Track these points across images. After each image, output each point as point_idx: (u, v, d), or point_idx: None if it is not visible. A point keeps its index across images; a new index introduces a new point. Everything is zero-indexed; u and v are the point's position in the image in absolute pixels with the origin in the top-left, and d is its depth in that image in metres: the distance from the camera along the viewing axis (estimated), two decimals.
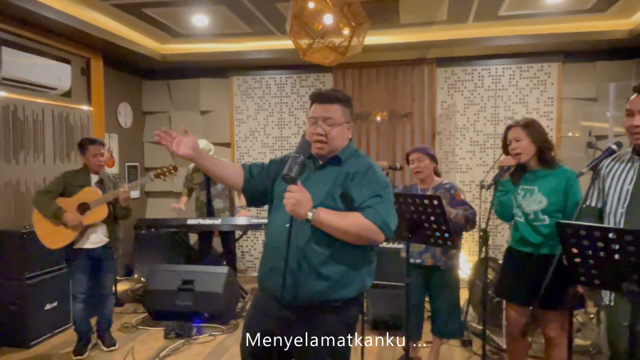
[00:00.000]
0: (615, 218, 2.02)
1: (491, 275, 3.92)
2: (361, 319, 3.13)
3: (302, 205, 1.62)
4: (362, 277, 1.80)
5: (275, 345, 1.82)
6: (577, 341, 3.59)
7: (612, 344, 2.15)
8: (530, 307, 2.24)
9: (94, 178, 3.50)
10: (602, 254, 1.75)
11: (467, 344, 3.61)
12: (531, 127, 2.49)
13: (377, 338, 3.77)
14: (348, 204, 1.75)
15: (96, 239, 3.44)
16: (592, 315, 3.74)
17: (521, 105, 5.29)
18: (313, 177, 1.84)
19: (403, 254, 3.12)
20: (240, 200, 4.89)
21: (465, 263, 5.03)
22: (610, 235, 1.69)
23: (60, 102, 4.62)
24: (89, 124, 5.01)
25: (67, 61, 4.66)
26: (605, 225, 2.07)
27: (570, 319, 2.05)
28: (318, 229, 1.70)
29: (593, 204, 2.15)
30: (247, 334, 1.95)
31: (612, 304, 2.05)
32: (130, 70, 5.84)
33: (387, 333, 3.83)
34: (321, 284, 1.73)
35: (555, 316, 2.47)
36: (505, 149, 2.58)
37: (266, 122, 5.95)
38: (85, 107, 4.96)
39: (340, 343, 1.81)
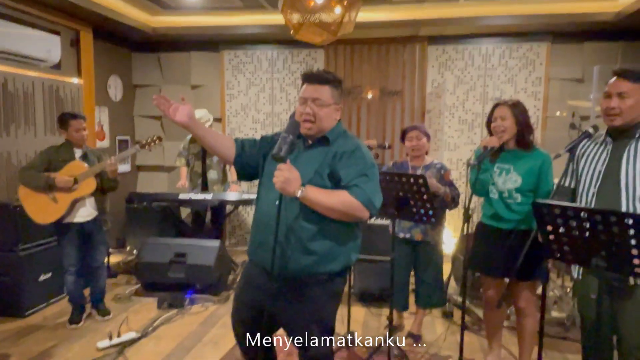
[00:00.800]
0: (587, 197, 2.13)
1: None
2: (348, 291, 3.27)
3: (291, 184, 1.70)
4: (348, 252, 1.91)
5: (264, 314, 1.93)
6: (554, 313, 3.78)
7: (581, 316, 2.31)
8: (506, 279, 2.37)
9: (78, 152, 3.50)
10: (574, 231, 1.86)
11: (448, 315, 3.78)
12: (517, 108, 2.57)
13: (363, 309, 3.93)
14: (335, 183, 1.83)
15: (85, 212, 3.47)
16: (568, 289, 3.93)
17: (509, 85, 5.37)
18: (302, 156, 1.92)
19: (396, 230, 3.25)
20: (232, 175, 4.95)
21: (451, 239, 5.18)
22: (582, 214, 1.80)
23: (50, 75, 4.60)
24: (79, 96, 5.00)
25: (56, 33, 4.62)
26: (578, 204, 2.19)
27: (543, 290, 2.17)
28: (306, 206, 1.79)
29: (567, 184, 2.27)
30: (238, 304, 2.07)
31: (580, 277, 2.18)
32: (120, 42, 5.78)
33: (374, 304, 3.99)
34: (309, 258, 1.84)
35: (526, 287, 2.62)
36: (489, 125, 2.66)
37: (257, 98, 5.97)
38: (75, 80, 4.94)
39: (326, 312, 1.94)
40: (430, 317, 3.76)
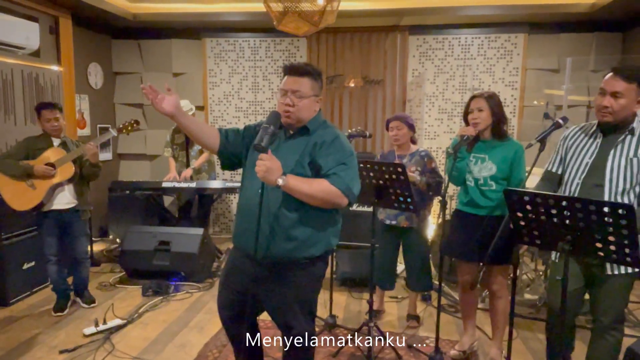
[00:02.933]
0: (572, 187, 2.24)
1: None
2: (330, 276, 3.37)
3: (273, 173, 1.78)
4: (328, 237, 2.01)
5: (248, 298, 2.01)
6: (526, 295, 3.95)
7: (549, 296, 2.45)
8: (480, 264, 2.49)
9: (56, 142, 3.48)
10: (542, 217, 1.98)
11: (426, 297, 3.91)
12: (493, 99, 2.68)
13: (345, 294, 4.05)
14: (316, 171, 1.91)
15: (64, 199, 3.45)
16: (540, 273, 4.10)
17: (488, 75, 5.48)
18: (284, 146, 1.99)
19: (380, 216, 3.36)
20: (197, 162, 4.94)
21: (431, 225, 5.32)
22: (550, 201, 1.91)
23: (29, 62, 4.54)
24: (59, 84, 4.94)
25: (34, 19, 4.55)
26: (562, 192, 2.30)
27: (514, 274, 2.29)
28: (287, 195, 1.87)
29: (554, 170, 2.37)
30: (223, 289, 2.15)
31: (557, 260, 2.31)
32: (100, 29, 5.71)
33: (356, 289, 4.11)
34: (290, 244, 1.93)
35: (499, 271, 2.76)
36: (466, 116, 2.76)
37: (240, 86, 5.97)
38: (54, 68, 4.88)
39: (308, 294, 2.04)
40: (408, 301, 3.89)
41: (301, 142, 1.97)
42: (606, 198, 2.13)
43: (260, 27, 5.68)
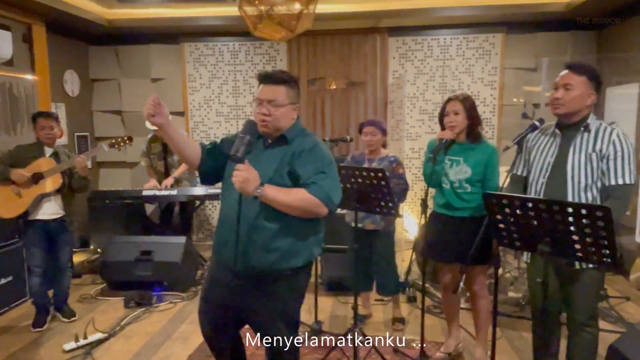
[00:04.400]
0: (537, 187, 2.27)
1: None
2: (315, 281, 3.35)
3: (250, 183, 1.75)
4: (310, 247, 1.97)
5: (230, 312, 1.98)
6: (510, 294, 3.98)
7: (531, 298, 2.47)
8: (461, 265, 2.49)
9: (48, 151, 3.48)
10: (521, 220, 1.99)
11: (412, 299, 3.92)
12: (468, 102, 2.69)
13: (331, 299, 4.03)
14: (295, 181, 1.88)
15: (50, 209, 3.43)
16: (523, 271, 4.14)
17: (467, 75, 5.52)
18: (263, 155, 1.96)
19: (347, 219, 3.35)
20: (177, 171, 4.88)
21: (414, 225, 5.34)
22: (528, 204, 1.93)
23: (2, 72, 4.42)
24: (34, 93, 4.83)
25: (6, 28, 4.44)
26: (528, 192, 2.33)
27: (495, 273, 2.30)
28: (267, 205, 1.83)
29: (519, 173, 2.41)
30: (204, 303, 2.11)
31: (529, 261, 2.33)
32: (75, 36, 5.61)
33: (342, 294, 4.09)
34: (271, 255, 1.89)
35: (479, 271, 2.77)
36: (442, 119, 2.76)
37: (220, 91, 5.92)
38: (29, 77, 4.77)
39: (290, 307, 2.00)
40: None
41: (280, 152, 1.94)
42: (569, 195, 2.17)
43: (240, 31, 5.63)
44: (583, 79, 2.13)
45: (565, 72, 2.19)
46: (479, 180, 2.68)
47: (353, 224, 3.26)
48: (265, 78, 1.95)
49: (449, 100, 2.72)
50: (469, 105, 2.67)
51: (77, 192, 3.61)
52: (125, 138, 3.58)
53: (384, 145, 3.38)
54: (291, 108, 1.97)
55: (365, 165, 3.28)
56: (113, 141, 3.54)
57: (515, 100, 5.44)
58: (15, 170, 3.30)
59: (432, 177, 2.68)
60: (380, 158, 3.30)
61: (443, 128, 2.75)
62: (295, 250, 1.92)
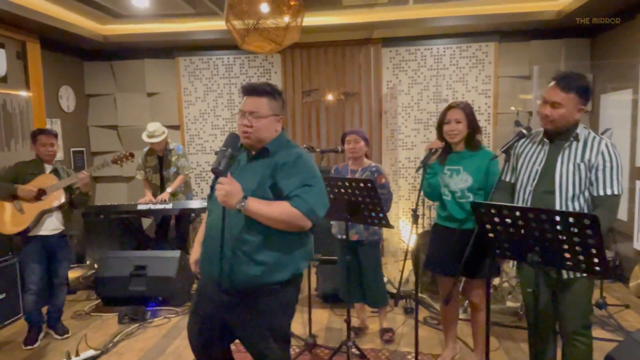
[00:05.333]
0: (525, 195, 2.25)
1: None
2: (308, 294, 3.32)
3: (232, 197, 1.73)
4: (295, 260, 1.94)
5: (218, 326, 1.95)
6: (508, 303, 3.93)
7: (525, 308, 2.43)
8: (460, 278, 2.46)
9: (48, 168, 3.52)
10: (511, 229, 1.97)
11: (408, 310, 3.87)
12: (469, 110, 2.67)
13: (327, 311, 3.99)
14: (277, 194, 1.86)
15: (51, 225, 3.44)
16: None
17: (461, 84, 5.53)
18: (247, 168, 1.95)
19: (333, 230, 3.37)
20: (172, 185, 4.87)
21: (413, 236, 5.30)
22: (517, 213, 1.91)
23: None
24: (29, 110, 4.85)
25: (1, 45, 4.47)
26: (515, 200, 2.31)
27: (487, 287, 2.27)
28: (251, 218, 1.81)
29: (507, 179, 2.39)
30: (193, 318, 2.09)
31: (517, 271, 2.31)
32: (70, 52, 5.64)
33: (337, 306, 4.05)
34: (256, 269, 1.86)
35: (478, 284, 2.72)
36: (441, 127, 2.73)
37: (216, 104, 5.93)
38: (23, 93, 4.79)
39: (279, 322, 1.96)
40: (391, 314, 3.85)
41: (262, 164, 1.92)
42: (557, 204, 2.15)
43: (234, 44, 5.60)
44: (571, 96, 2.09)
45: (552, 85, 2.14)
46: (481, 188, 2.64)
47: (339, 236, 3.27)
48: (248, 90, 1.95)
49: (450, 107, 2.68)
50: (469, 113, 2.65)
51: (78, 208, 3.66)
52: (128, 154, 3.68)
53: (367, 156, 3.37)
54: (274, 120, 1.96)
55: (349, 176, 3.27)
56: (116, 157, 3.63)
57: (512, 108, 5.43)
58: (22, 187, 3.33)
59: (426, 190, 2.65)
60: (363, 168, 3.29)
61: (441, 135, 2.73)
62: (280, 264, 1.89)
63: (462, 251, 2.57)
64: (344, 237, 3.22)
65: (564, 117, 2.12)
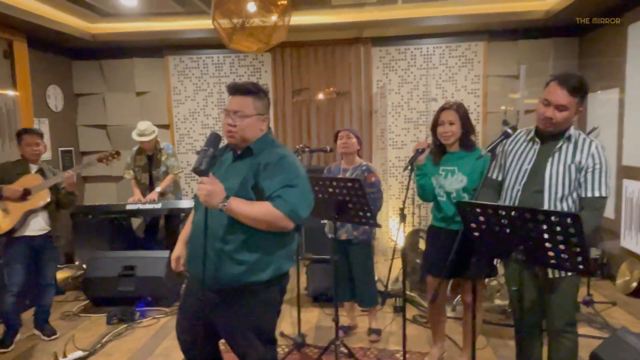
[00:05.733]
0: (512, 193, 2.25)
1: (422, 245, 4.22)
2: (297, 293, 3.31)
3: (214, 196, 1.73)
4: (278, 261, 1.94)
5: (203, 324, 1.95)
6: (496, 301, 3.96)
7: (511, 306, 2.45)
8: (450, 279, 2.46)
9: (33, 168, 3.48)
10: (496, 228, 1.97)
11: (398, 309, 3.89)
12: (462, 111, 2.66)
13: (316, 310, 3.99)
14: (259, 194, 1.86)
15: (37, 226, 3.41)
16: None
17: (450, 83, 5.55)
18: (232, 167, 1.96)
19: (326, 229, 3.36)
20: (162, 184, 4.84)
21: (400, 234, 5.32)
22: (500, 212, 1.91)
23: None
24: (15, 109, 4.80)
25: None
26: (503, 198, 2.31)
27: (473, 285, 2.26)
28: (233, 218, 1.82)
29: (494, 177, 2.37)
30: (181, 315, 2.10)
31: (504, 270, 2.32)
32: (58, 51, 5.59)
33: (328, 305, 4.05)
34: (237, 268, 1.87)
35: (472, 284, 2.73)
36: (434, 129, 2.72)
37: (205, 103, 5.91)
38: (10, 92, 4.74)
39: (263, 322, 1.97)
40: (381, 313, 3.86)
41: (246, 164, 1.93)
42: (546, 204, 2.15)
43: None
44: (576, 100, 2.07)
45: (556, 87, 2.07)
46: (476, 188, 2.61)
47: (330, 235, 3.26)
48: (233, 89, 1.96)
49: (443, 109, 2.67)
50: (462, 113, 2.64)
51: (64, 208, 3.62)
52: (114, 152, 3.63)
53: (359, 155, 3.37)
54: (258, 119, 1.96)
55: (340, 175, 3.27)
56: (102, 156, 3.57)
57: (503, 107, 5.46)
58: (7, 187, 3.29)
59: (418, 191, 2.65)
60: (354, 167, 3.30)
61: (435, 137, 2.73)
62: (262, 264, 1.89)
63: (459, 252, 2.58)
64: (334, 236, 3.23)
65: (567, 120, 2.10)
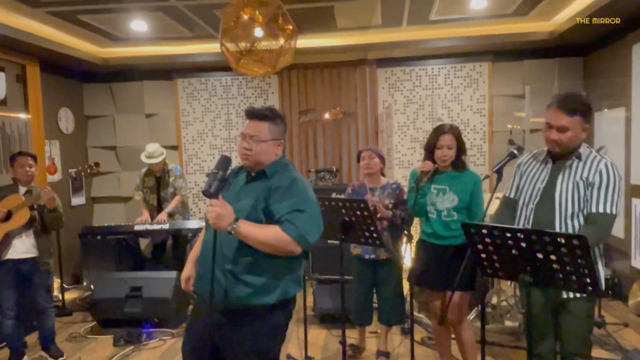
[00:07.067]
0: (526, 212, 2.26)
1: None
2: (304, 314, 3.29)
3: (223, 219, 1.75)
4: (284, 285, 1.94)
5: (208, 346, 1.94)
6: (507, 323, 3.90)
7: (524, 328, 2.41)
8: (447, 293, 2.47)
9: (22, 190, 3.44)
10: (502, 249, 1.97)
11: (406, 331, 3.84)
12: (458, 133, 2.75)
13: (324, 331, 3.95)
14: (269, 217, 1.88)
15: (21, 248, 3.33)
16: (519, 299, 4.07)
17: (456, 103, 5.58)
18: (244, 189, 1.99)
19: (355, 251, 3.31)
20: (170, 205, 4.87)
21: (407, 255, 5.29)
22: (507, 234, 1.91)
23: None
24: (27, 132, 4.89)
25: (0, 69, 4.53)
26: (517, 218, 2.31)
27: (482, 302, 2.26)
28: (242, 241, 1.83)
29: (512, 196, 2.39)
30: (187, 335, 2.11)
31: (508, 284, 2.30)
32: (69, 74, 5.71)
33: (335, 326, 4.01)
34: (243, 290, 1.87)
35: (457, 300, 2.72)
36: (431, 149, 2.77)
37: (213, 124, 5.98)
38: (22, 115, 4.84)
39: (267, 346, 1.96)
40: (389, 334, 3.80)
41: (259, 187, 1.95)
42: (557, 222, 2.15)
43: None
44: (577, 118, 2.09)
45: (555, 109, 2.11)
46: (465, 207, 2.72)
47: (366, 256, 3.23)
48: (250, 114, 2.00)
49: (443, 133, 2.72)
50: (458, 136, 2.74)
51: (52, 229, 3.50)
52: (92, 164, 3.57)
53: (382, 173, 3.38)
54: (274, 144, 1.99)
55: (368, 195, 3.26)
56: (80, 168, 3.51)
57: (509, 126, 5.47)
58: None
59: (416, 208, 2.68)
60: (382, 186, 3.29)
61: (430, 157, 2.76)
62: (268, 287, 1.90)
63: (446, 267, 2.65)
64: (372, 256, 3.22)
65: (572, 139, 2.12)
